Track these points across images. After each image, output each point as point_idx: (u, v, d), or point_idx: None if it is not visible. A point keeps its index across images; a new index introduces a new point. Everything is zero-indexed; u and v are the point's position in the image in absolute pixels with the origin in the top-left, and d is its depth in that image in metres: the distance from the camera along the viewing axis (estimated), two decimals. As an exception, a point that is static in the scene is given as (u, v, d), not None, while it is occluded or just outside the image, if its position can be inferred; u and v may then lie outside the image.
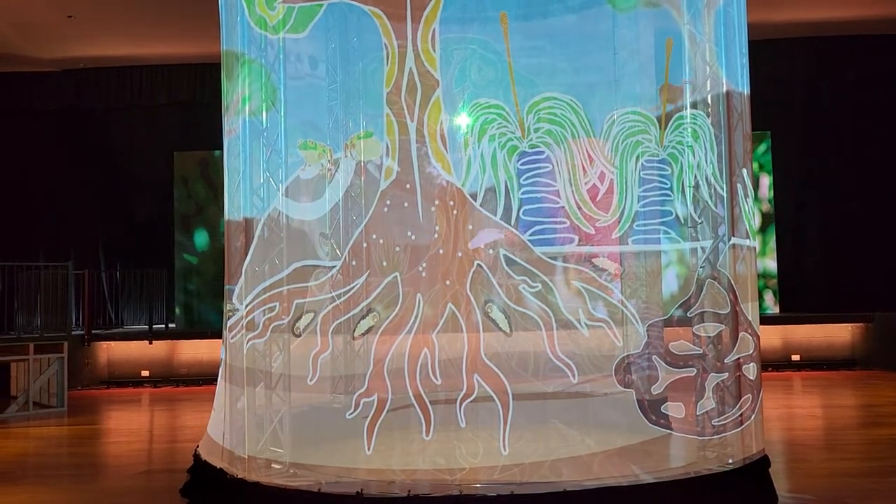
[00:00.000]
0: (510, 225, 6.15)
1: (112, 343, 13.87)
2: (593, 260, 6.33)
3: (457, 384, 5.55)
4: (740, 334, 5.85)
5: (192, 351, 13.79)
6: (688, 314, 5.99)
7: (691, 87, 5.94)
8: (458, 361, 5.52)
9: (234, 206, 6.00)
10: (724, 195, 5.80)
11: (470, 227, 5.76)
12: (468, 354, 5.47)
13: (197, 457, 6.22)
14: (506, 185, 6.45)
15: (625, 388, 7.19)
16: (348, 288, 6.27)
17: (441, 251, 5.80)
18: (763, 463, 5.68)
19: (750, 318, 5.85)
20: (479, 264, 5.68)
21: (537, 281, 5.70)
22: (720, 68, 5.86)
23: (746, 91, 5.93)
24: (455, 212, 5.75)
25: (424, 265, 5.82)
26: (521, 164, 6.51)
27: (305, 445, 6.09)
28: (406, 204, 5.86)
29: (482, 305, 5.54)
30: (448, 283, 5.75)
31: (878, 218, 13.69)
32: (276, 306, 5.93)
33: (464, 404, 5.48)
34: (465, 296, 5.64)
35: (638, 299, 7.15)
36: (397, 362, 6.03)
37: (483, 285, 5.62)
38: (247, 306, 5.85)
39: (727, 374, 5.81)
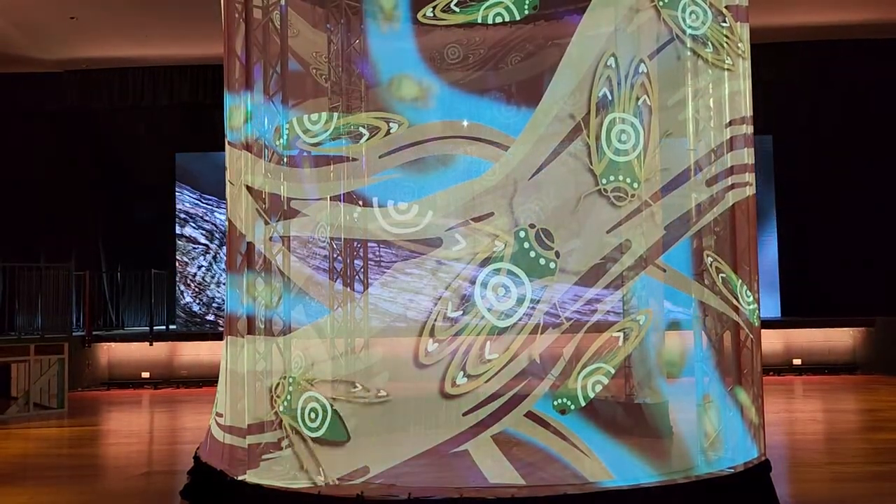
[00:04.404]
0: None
1: (113, 344, 13.86)
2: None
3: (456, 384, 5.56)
4: (741, 338, 5.85)
5: (193, 352, 13.79)
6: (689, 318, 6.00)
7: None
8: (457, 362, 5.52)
9: (237, 206, 6.00)
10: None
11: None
12: (470, 356, 5.47)
13: (197, 458, 6.21)
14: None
15: (627, 391, 7.20)
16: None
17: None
18: (764, 467, 5.67)
19: (752, 322, 5.84)
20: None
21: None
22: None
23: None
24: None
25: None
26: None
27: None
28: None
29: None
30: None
31: (879, 222, 13.67)
32: (278, 307, 5.93)
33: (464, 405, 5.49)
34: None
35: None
36: (396, 363, 6.04)
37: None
38: (249, 307, 5.85)
39: (728, 377, 5.81)
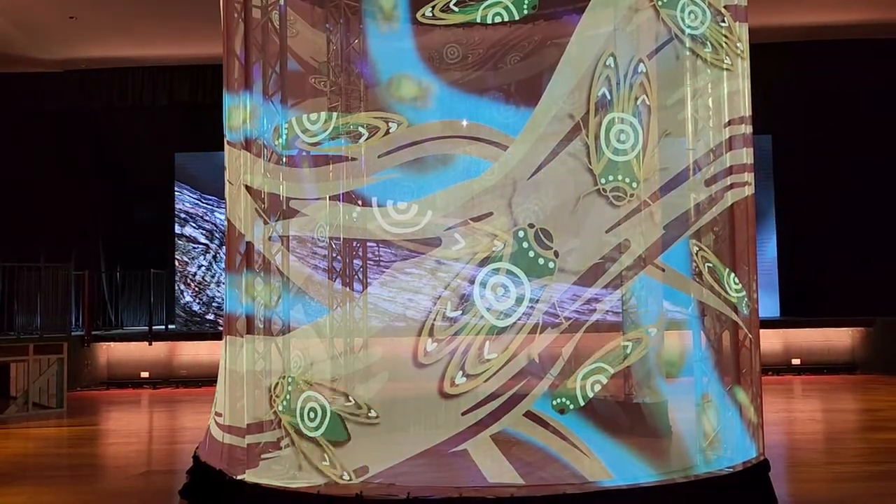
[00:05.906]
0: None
1: (112, 344, 13.86)
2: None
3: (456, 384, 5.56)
4: (740, 337, 5.85)
5: (192, 352, 13.79)
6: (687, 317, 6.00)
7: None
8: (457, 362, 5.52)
9: (236, 206, 6.00)
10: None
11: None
12: (469, 356, 5.48)
13: (196, 458, 6.21)
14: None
15: (626, 390, 7.20)
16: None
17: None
18: (763, 467, 5.67)
19: (751, 321, 5.84)
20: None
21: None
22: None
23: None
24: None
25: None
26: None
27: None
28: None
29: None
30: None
31: (879, 222, 13.67)
32: (277, 307, 5.93)
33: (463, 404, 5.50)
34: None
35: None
36: (395, 363, 6.04)
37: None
38: (248, 307, 5.85)
39: (727, 377, 5.81)
